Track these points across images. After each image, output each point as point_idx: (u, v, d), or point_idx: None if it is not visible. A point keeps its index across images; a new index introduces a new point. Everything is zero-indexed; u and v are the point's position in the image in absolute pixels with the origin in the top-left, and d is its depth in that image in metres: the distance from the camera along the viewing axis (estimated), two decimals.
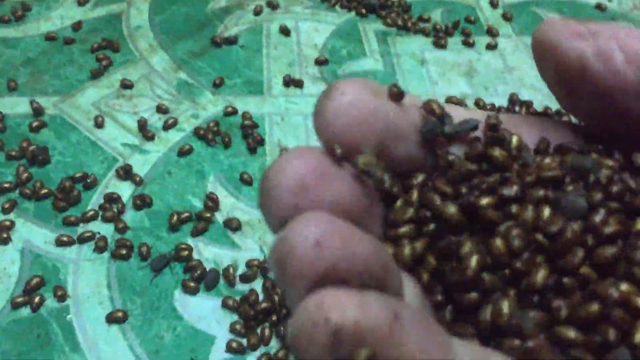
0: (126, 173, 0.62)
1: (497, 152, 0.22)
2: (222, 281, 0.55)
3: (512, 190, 0.21)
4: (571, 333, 0.19)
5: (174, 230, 0.59)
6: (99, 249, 0.56)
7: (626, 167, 0.23)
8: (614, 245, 0.20)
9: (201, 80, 0.73)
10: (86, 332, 0.51)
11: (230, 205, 0.62)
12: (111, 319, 0.52)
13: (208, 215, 0.59)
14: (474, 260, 0.20)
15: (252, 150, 0.66)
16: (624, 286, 0.20)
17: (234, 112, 0.69)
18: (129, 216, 0.60)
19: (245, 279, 0.55)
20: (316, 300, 0.16)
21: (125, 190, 0.61)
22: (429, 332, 0.18)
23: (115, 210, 0.59)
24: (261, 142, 0.67)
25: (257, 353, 0.51)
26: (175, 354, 0.51)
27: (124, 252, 0.56)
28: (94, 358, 0.50)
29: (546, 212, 0.21)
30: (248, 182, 0.63)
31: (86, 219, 0.58)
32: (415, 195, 0.21)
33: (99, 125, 0.67)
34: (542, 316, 0.20)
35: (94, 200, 0.60)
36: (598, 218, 0.21)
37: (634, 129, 0.23)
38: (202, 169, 0.64)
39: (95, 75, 0.72)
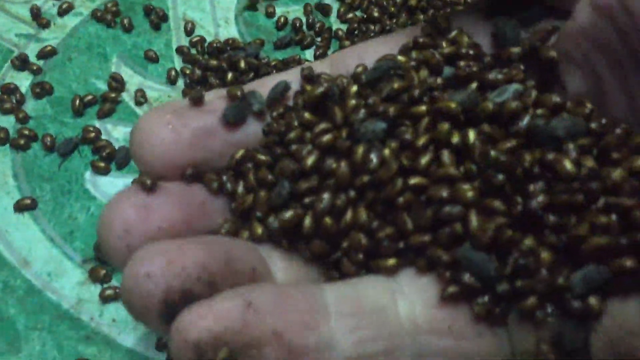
0: (23, 63, 0.58)
1: (306, 114, 0.24)
2: None
3: (324, 138, 0.23)
4: (425, 237, 0.22)
5: (79, 114, 0.56)
6: (0, 141, 0.54)
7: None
8: (427, 154, 0.22)
9: None
10: None
11: (138, 84, 0.59)
12: (19, 207, 0.50)
13: (113, 95, 0.57)
14: (317, 245, 0.24)
15: (155, 27, 0.62)
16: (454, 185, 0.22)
17: None
18: (30, 106, 0.57)
19: None
20: (176, 326, 0.18)
21: (24, 81, 0.58)
22: (288, 299, 0.20)
23: (14, 100, 0.56)
24: (164, 18, 0.63)
25: None
26: (91, 233, 0.50)
27: (22, 142, 0.53)
28: (6, 247, 0.49)
29: (359, 152, 0.22)
30: (154, 60, 0.60)
31: None
32: (251, 178, 0.24)
33: None
34: (393, 231, 0.22)
35: None
36: (407, 136, 0.23)
37: None
38: (104, 52, 0.61)
39: None
